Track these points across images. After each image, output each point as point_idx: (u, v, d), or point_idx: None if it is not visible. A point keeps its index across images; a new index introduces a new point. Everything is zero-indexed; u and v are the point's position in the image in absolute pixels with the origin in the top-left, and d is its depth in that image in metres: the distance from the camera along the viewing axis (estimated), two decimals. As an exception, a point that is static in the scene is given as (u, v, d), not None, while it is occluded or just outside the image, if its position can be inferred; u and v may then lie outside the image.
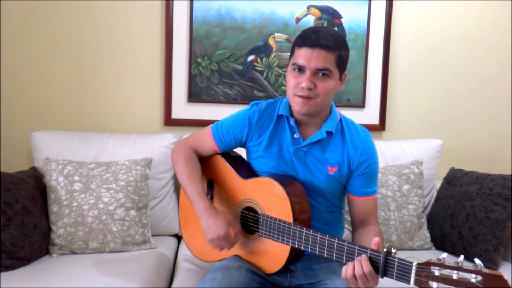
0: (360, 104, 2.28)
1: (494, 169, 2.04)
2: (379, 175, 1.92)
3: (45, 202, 1.76)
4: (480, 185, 1.86)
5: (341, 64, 1.30)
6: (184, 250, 1.78)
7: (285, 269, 1.35)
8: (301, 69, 1.28)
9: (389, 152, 2.10)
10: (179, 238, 2.04)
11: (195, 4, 2.12)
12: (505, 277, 0.89)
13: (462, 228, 1.85)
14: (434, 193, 2.12)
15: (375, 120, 2.31)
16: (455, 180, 1.99)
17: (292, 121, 1.37)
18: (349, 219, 1.51)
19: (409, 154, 2.10)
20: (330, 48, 1.25)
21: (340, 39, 1.30)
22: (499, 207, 1.77)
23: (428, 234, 1.95)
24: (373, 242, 1.11)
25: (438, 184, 2.12)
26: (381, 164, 2.02)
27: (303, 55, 1.26)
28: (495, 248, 1.76)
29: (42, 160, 1.85)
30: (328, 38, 1.25)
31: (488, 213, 1.78)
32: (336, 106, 1.44)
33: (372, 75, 2.28)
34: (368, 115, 2.30)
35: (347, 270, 1.10)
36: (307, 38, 1.27)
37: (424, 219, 1.97)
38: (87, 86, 2.16)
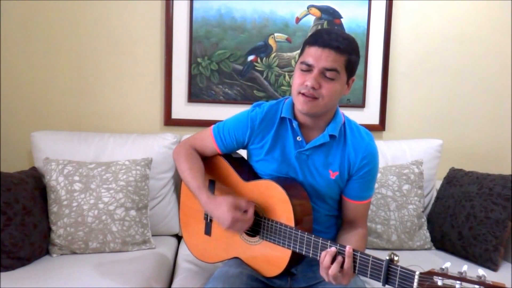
0: (360, 104, 2.28)
1: (494, 169, 2.05)
2: (379, 175, 1.94)
3: (45, 202, 1.76)
4: (480, 185, 1.86)
5: (350, 68, 1.28)
6: (184, 250, 1.78)
7: (286, 273, 1.34)
8: (309, 68, 1.26)
9: (389, 152, 2.10)
10: (179, 238, 2.04)
11: (195, 4, 2.12)
12: None
13: (462, 228, 1.84)
14: (434, 193, 2.12)
15: (375, 120, 2.31)
16: (455, 180, 1.99)
17: (295, 124, 1.35)
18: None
19: (409, 154, 2.10)
20: (341, 50, 1.24)
21: (352, 43, 1.28)
22: (499, 207, 1.77)
23: (428, 234, 1.95)
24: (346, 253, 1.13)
25: (438, 184, 2.12)
26: (381, 164, 2.02)
27: (313, 54, 1.25)
28: (495, 248, 1.75)
29: (42, 160, 1.85)
30: (340, 40, 1.24)
31: (488, 213, 1.78)
32: (336, 106, 1.43)
33: (372, 75, 2.28)
34: (368, 115, 2.30)
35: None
36: (319, 38, 1.25)
37: (424, 219, 1.97)
38: (87, 86, 2.16)
